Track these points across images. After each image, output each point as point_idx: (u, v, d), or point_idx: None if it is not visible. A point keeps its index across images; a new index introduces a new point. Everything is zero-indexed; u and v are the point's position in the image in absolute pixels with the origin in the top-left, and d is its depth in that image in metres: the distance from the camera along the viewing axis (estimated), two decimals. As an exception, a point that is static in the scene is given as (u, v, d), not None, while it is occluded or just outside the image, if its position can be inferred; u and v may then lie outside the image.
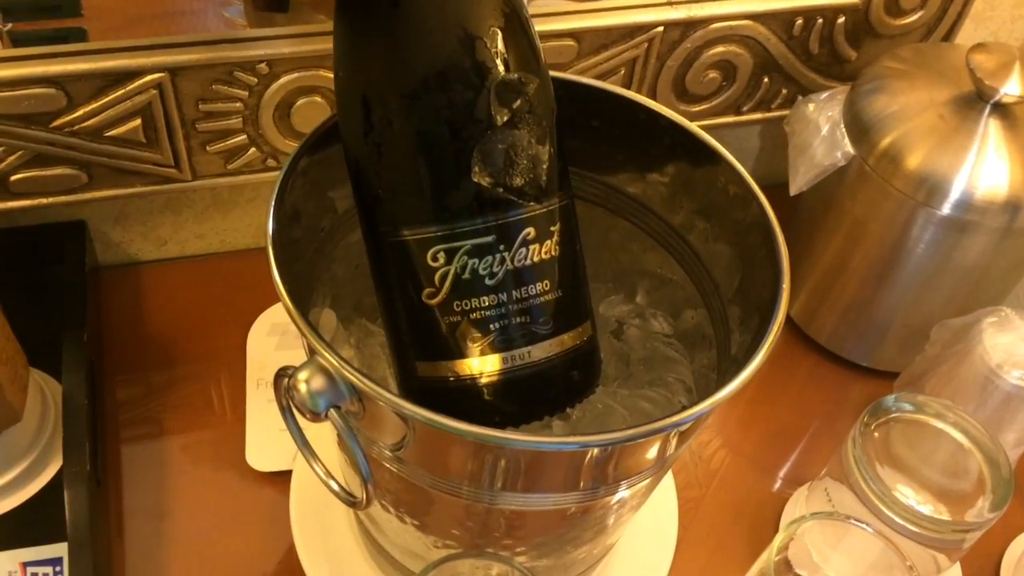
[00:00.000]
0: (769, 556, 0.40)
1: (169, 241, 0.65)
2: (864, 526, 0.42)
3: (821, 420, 0.65)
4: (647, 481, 0.40)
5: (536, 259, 0.36)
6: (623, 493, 0.39)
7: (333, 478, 0.37)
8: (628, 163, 0.46)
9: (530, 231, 0.36)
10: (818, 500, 0.55)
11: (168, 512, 0.54)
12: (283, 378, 0.33)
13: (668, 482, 0.57)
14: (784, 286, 0.38)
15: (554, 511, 0.38)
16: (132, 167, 0.56)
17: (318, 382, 0.32)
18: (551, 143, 0.37)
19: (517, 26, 0.36)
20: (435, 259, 0.36)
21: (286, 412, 0.35)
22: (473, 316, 0.36)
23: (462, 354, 0.37)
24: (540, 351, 0.37)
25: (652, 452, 0.37)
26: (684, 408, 0.33)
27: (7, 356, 0.48)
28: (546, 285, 0.37)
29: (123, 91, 0.52)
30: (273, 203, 0.37)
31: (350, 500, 0.36)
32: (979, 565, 0.58)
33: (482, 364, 0.37)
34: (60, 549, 0.48)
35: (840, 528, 0.44)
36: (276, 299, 0.35)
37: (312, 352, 0.33)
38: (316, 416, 0.33)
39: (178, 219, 0.64)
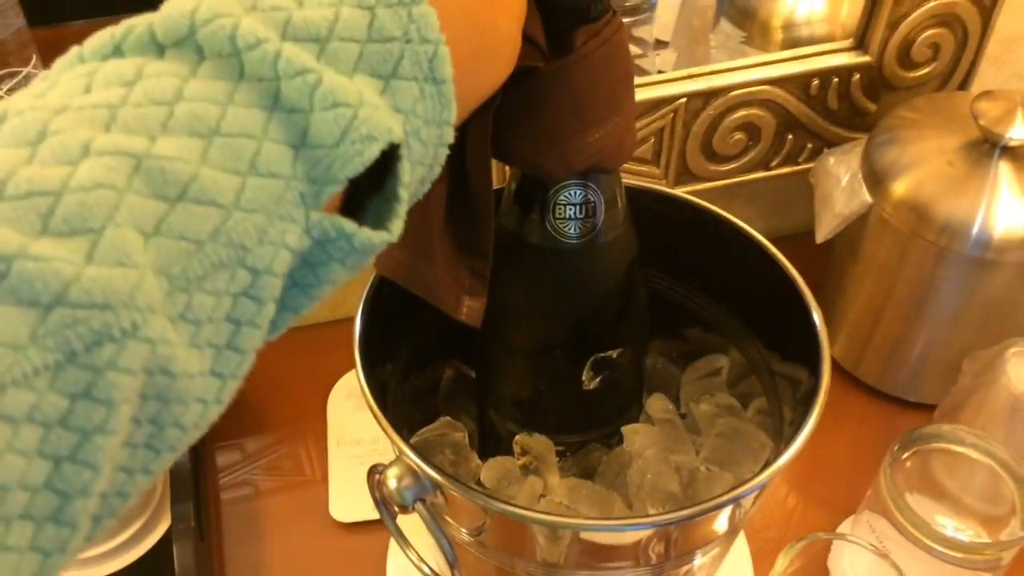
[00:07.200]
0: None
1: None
2: (858, 540, 0.46)
3: (873, 455, 0.68)
4: (718, 548, 0.44)
5: None
6: (698, 560, 0.43)
7: (425, 563, 0.41)
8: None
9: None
10: (862, 531, 0.58)
11: (264, 563, 0.61)
12: (374, 475, 0.38)
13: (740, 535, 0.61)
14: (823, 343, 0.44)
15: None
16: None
17: (407, 480, 0.36)
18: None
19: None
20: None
21: (379, 503, 0.39)
22: None
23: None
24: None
25: (718, 523, 0.40)
26: (745, 481, 0.37)
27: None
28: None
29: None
30: (364, 300, 0.43)
31: None
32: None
33: None
34: (171, 599, 0.55)
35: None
36: (351, 365, 0.40)
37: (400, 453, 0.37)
38: (404, 509, 0.37)
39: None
